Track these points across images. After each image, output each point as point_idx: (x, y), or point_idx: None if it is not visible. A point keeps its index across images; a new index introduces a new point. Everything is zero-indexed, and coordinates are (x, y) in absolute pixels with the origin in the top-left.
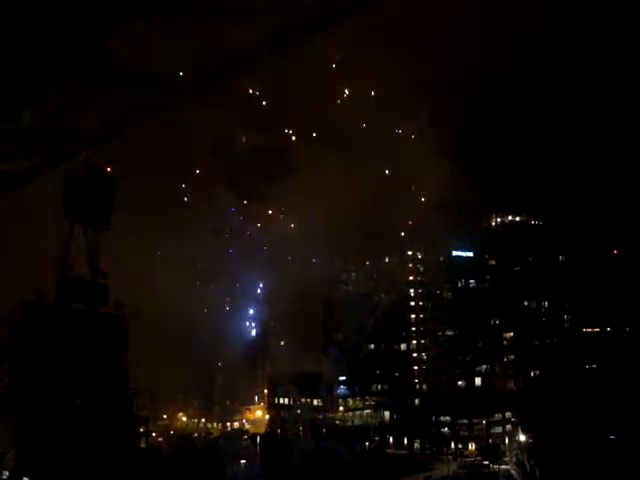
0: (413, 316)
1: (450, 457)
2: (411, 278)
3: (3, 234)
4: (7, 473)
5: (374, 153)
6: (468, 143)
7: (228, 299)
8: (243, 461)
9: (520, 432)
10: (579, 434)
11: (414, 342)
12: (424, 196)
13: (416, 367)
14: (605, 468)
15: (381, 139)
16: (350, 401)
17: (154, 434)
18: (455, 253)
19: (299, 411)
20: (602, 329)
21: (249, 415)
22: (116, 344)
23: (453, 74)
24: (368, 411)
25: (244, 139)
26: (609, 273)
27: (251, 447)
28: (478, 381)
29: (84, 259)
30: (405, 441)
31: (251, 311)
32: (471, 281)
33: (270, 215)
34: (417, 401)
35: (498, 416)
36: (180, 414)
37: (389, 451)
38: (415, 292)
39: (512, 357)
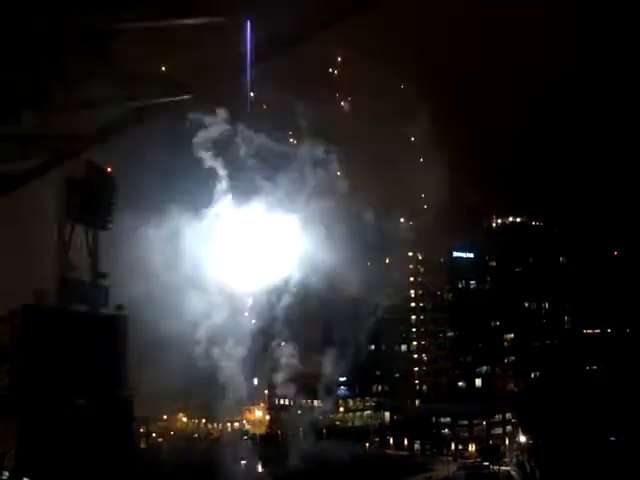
0: (413, 317)
1: (450, 458)
2: (412, 279)
3: (3, 234)
4: (7, 473)
5: (374, 153)
6: (469, 144)
7: (228, 299)
8: (243, 462)
9: (520, 433)
10: (579, 435)
11: (414, 343)
12: (424, 197)
13: (416, 368)
14: (605, 469)
15: (381, 139)
16: (350, 402)
17: (154, 435)
18: (456, 254)
19: (299, 412)
20: (603, 330)
21: (249, 416)
22: (116, 345)
23: (454, 74)
24: (368, 412)
25: (244, 140)
26: (609, 274)
27: (251, 448)
28: (478, 382)
29: (85, 260)
30: (405, 442)
31: (251, 311)
32: (472, 282)
33: (270, 216)
34: (417, 402)
35: (498, 417)
36: (180, 415)
37: (389, 452)
38: (416, 293)
39: (512, 358)
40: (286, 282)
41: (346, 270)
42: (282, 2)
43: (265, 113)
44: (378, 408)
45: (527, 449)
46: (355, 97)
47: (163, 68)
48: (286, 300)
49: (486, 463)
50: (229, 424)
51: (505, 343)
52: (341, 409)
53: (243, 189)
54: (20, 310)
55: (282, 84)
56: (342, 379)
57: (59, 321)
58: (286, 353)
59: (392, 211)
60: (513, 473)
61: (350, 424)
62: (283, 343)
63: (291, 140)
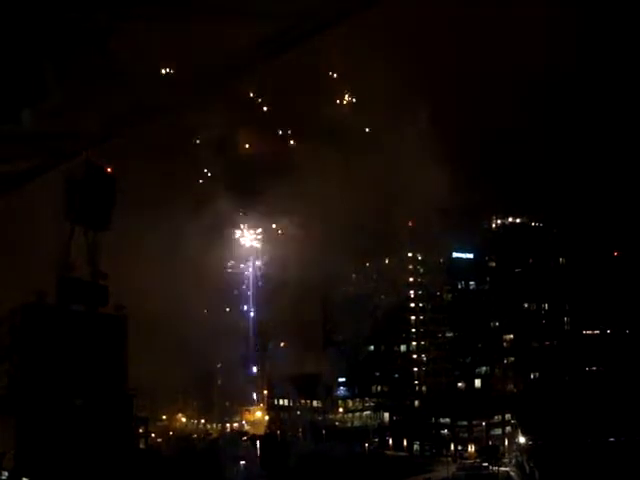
0: (413, 317)
1: (450, 459)
2: (411, 279)
3: (3, 235)
4: (6, 474)
5: (374, 154)
6: (469, 144)
7: (227, 300)
8: (242, 462)
9: (520, 434)
10: (579, 436)
11: (414, 343)
12: (424, 197)
13: (416, 368)
14: (605, 470)
15: (381, 140)
16: (350, 402)
17: (153, 435)
18: (455, 255)
19: (299, 412)
20: (602, 331)
21: (248, 416)
22: (116, 345)
23: (454, 74)
24: (368, 412)
25: (244, 141)
26: (609, 275)
27: (250, 448)
28: (478, 383)
29: (84, 260)
30: (405, 443)
31: (251, 312)
32: (471, 283)
33: (270, 216)
34: (417, 402)
35: (498, 418)
36: (179, 415)
37: (388, 453)
38: (415, 293)
39: (512, 359)
40: (286, 282)
41: (345, 270)
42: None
43: (265, 115)
44: (377, 409)
45: (526, 450)
46: (355, 97)
47: (163, 68)
48: (286, 300)
49: (485, 464)
50: (228, 424)
51: (504, 344)
52: (340, 409)
53: (243, 189)
54: (19, 310)
55: (282, 84)
56: (341, 379)
57: (59, 321)
58: (285, 353)
59: (392, 211)
60: (512, 474)
61: (349, 424)
62: (282, 343)
63: (291, 141)
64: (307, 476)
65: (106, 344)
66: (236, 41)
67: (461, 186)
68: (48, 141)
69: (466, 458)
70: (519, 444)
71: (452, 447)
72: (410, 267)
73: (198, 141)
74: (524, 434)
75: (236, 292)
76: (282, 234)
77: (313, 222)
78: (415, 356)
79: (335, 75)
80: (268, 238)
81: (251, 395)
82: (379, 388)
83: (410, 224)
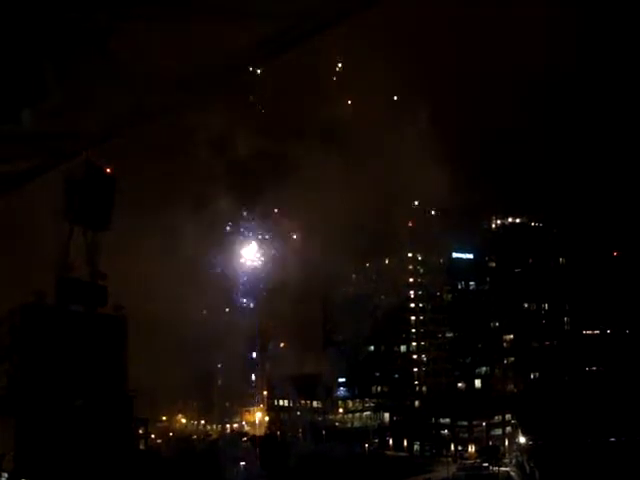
0: (413, 318)
1: (450, 459)
2: (411, 280)
3: (3, 235)
4: (6, 475)
5: (374, 154)
6: (468, 144)
7: (227, 300)
8: (242, 463)
9: (520, 434)
10: (579, 436)
11: (414, 344)
12: (424, 197)
13: (416, 369)
14: (605, 470)
15: (381, 140)
16: (350, 403)
17: (153, 436)
18: (455, 255)
19: (298, 413)
20: (602, 331)
21: (248, 417)
22: (115, 346)
23: (454, 74)
24: (368, 413)
25: (244, 142)
26: (609, 275)
27: (250, 449)
28: (478, 383)
29: (83, 260)
30: (405, 443)
31: (251, 312)
32: (471, 283)
33: (270, 217)
34: (417, 403)
35: (498, 418)
36: (179, 416)
37: (389, 453)
38: (415, 294)
39: (512, 359)
40: (286, 282)
41: (345, 271)
42: (282, 2)
43: (265, 117)
44: (377, 409)
45: (527, 450)
46: (355, 98)
47: (164, 69)
48: (286, 300)
49: (486, 464)
50: (228, 425)
51: (504, 344)
52: (340, 410)
53: (243, 189)
54: (19, 310)
55: (281, 85)
56: (341, 380)
57: (58, 321)
58: (285, 354)
59: (392, 211)
60: (513, 474)
61: (349, 425)
62: (282, 344)
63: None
64: (307, 477)
65: (105, 345)
66: (236, 41)
67: (461, 186)
68: (48, 141)
69: (466, 458)
70: (519, 444)
71: (452, 447)
72: (410, 267)
73: (198, 141)
74: (524, 434)
75: (236, 292)
76: (282, 234)
77: (313, 222)
78: (415, 356)
79: (334, 75)
80: (268, 238)
81: (251, 396)
82: (379, 388)
83: (410, 224)
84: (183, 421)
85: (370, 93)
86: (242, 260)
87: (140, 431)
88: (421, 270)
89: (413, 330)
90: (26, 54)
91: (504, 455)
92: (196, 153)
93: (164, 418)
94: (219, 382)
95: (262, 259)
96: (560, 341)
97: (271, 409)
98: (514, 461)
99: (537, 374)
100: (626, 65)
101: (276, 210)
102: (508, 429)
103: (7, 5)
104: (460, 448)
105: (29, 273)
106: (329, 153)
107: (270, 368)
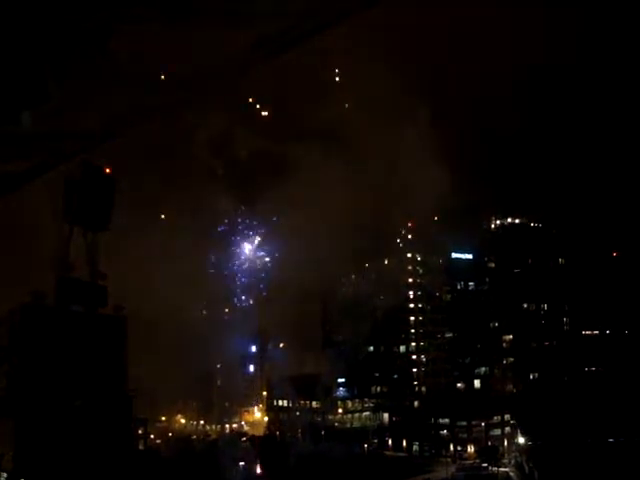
0: (412, 318)
1: (449, 459)
2: (410, 280)
3: (3, 235)
4: (5, 475)
5: (374, 154)
6: (468, 144)
7: (227, 301)
8: (242, 463)
9: (519, 434)
10: (578, 437)
11: (413, 344)
12: (424, 198)
13: (415, 369)
14: (604, 471)
15: (381, 140)
16: (349, 403)
17: (152, 436)
18: (454, 255)
19: (298, 413)
20: (601, 332)
21: (247, 417)
22: (115, 346)
23: (454, 74)
24: (367, 413)
25: (244, 143)
26: (608, 275)
27: (250, 449)
28: (477, 383)
29: (83, 260)
30: (404, 443)
31: (251, 313)
32: (470, 283)
33: (270, 217)
34: (416, 403)
35: (497, 418)
36: (179, 416)
37: (388, 453)
38: (414, 294)
39: (511, 359)
40: (286, 282)
41: (345, 271)
42: (282, 2)
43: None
44: (377, 409)
45: (526, 450)
46: (354, 98)
47: (163, 69)
48: (286, 300)
49: (485, 464)
50: (227, 425)
51: (504, 344)
52: (340, 410)
53: (242, 189)
54: (18, 310)
55: (281, 86)
56: (341, 380)
57: (58, 321)
58: (285, 354)
59: (392, 212)
60: (512, 474)
61: (349, 425)
62: (282, 344)
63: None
64: (306, 477)
65: (105, 345)
66: (236, 42)
67: (460, 187)
68: (48, 141)
69: (465, 459)
70: (518, 444)
71: (451, 448)
72: (409, 268)
73: (198, 141)
74: (523, 434)
75: (236, 292)
76: (282, 234)
77: (313, 222)
78: (414, 357)
79: (334, 75)
80: (268, 238)
81: (250, 396)
82: (378, 389)
83: (410, 224)
84: (182, 421)
85: (370, 93)
86: (242, 260)
87: (139, 431)
88: (420, 270)
89: (412, 330)
90: (26, 56)
91: (503, 455)
92: (196, 153)
93: (163, 418)
94: (218, 382)
95: (262, 259)
96: (559, 341)
97: (270, 409)
98: (513, 461)
99: (536, 374)
100: (626, 65)
101: (276, 210)
102: (507, 429)
103: (8, 7)
104: (459, 448)
105: (29, 273)
106: (329, 153)
107: (269, 368)
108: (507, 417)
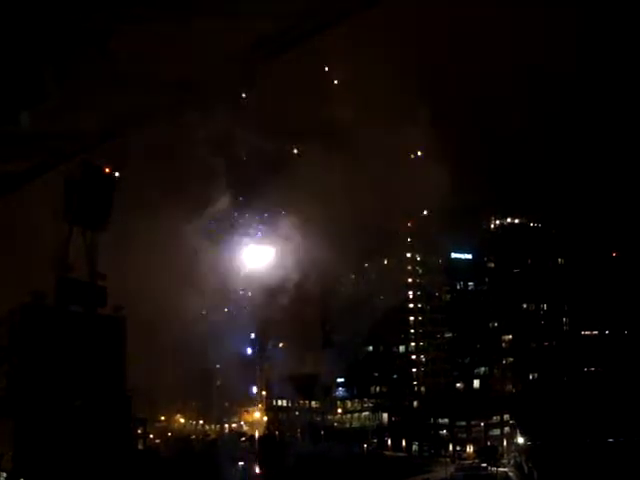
0: (412, 318)
1: (448, 459)
2: (410, 280)
3: (3, 235)
4: (5, 475)
5: (373, 154)
6: (468, 144)
7: (227, 300)
8: (241, 463)
9: (518, 434)
10: (577, 437)
11: (413, 344)
12: (423, 198)
13: (415, 369)
14: (603, 471)
15: (381, 140)
16: (348, 403)
17: (151, 436)
18: (454, 255)
19: (297, 413)
20: (601, 332)
21: (247, 417)
22: (114, 346)
23: (454, 74)
24: (366, 413)
25: (244, 142)
26: (608, 276)
27: (249, 449)
28: (477, 383)
29: (83, 260)
30: (403, 443)
31: (250, 312)
32: (470, 283)
33: (270, 217)
34: (415, 403)
35: (496, 418)
36: (178, 416)
37: (387, 453)
38: (414, 294)
39: (511, 359)
40: (285, 283)
41: (344, 271)
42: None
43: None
44: (376, 409)
45: (525, 450)
46: (354, 98)
47: (164, 70)
48: (284, 301)
49: (484, 464)
50: (227, 425)
51: (503, 344)
52: (339, 410)
53: (242, 189)
54: (18, 310)
55: (281, 86)
56: (340, 380)
57: (57, 322)
58: (284, 354)
59: (391, 212)
60: (511, 475)
61: (348, 425)
62: (281, 344)
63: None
64: (306, 477)
65: (104, 345)
66: (236, 42)
67: (460, 186)
68: (47, 141)
69: (465, 459)
70: (518, 444)
71: (451, 448)
72: (409, 268)
73: (198, 141)
74: (523, 435)
75: (235, 292)
76: (282, 234)
77: (313, 222)
78: (414, 357)
79: (334, 75)
80: (268, 238)
81: (250, 396)
82: (378, 389)
83: (409, 225)
84: (182, 421)
85: (369, 93)
86: (242, 260)
87: (139, 431)
88: (420, 270)
89: (412, 330)
90: (25, 56)
91: (502, 455)
92: (197, 153)
93: (163, 418)
94: (218, 382)
95: (262, 259)
96: (559, 342)
97: (270, 409)
98: (512, 461)
99: (536, 374)
100: (626, 66)
101: (276, 210)
102: (506, 429)
103: (7, 7)
104: (458, 448)
105: (29, 273)
106: (329, 153)
107: (269, 368)
108: (506, 417)
